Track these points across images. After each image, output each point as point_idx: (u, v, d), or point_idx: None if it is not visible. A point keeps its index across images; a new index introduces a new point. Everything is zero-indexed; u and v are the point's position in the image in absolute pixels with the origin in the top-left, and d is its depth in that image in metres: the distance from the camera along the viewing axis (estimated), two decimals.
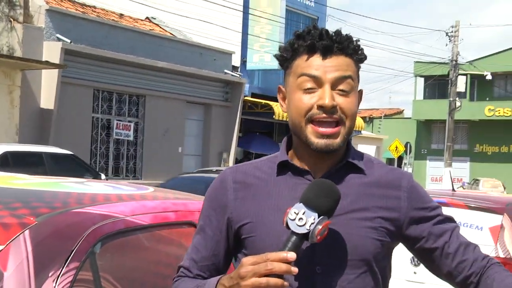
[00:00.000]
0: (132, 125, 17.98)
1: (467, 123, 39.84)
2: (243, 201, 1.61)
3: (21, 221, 1.92)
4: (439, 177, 30.25)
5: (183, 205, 2.48)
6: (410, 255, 2.94)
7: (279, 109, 20.91)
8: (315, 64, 1.56)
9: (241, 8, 22.43)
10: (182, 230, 2.38)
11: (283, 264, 1.36)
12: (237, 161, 21.33)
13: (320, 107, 1.53)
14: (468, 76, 35.02)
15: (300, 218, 1.42)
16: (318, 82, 1.55)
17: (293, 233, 1.42)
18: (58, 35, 16.12)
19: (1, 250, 1.81)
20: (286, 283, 1.38)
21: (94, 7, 20.35)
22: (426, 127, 42.01)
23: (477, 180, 29.30)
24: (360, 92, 1.66)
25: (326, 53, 1.56)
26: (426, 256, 1.67)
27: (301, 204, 1.45)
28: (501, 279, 1.57)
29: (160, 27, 22.18)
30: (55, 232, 1.94)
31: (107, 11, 20.57)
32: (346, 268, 1.55)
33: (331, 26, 33.79)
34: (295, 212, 1.43)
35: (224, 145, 21.05)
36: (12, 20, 14.59)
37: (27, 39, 14.94)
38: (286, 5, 23.32)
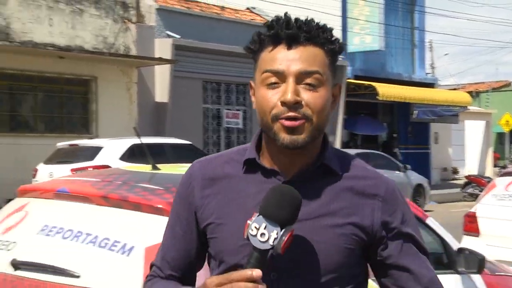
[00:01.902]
0: (241, 113, 18.65)
1: None
2: (209, 199, 1.51)
3: None
4: None
5: None
6: None
7: (382, 90, 20.92)
8: (279, 57, 1.44)
9: None
10: None
11: (249, 284, 1.27)
12: (343, 143, 21.59)
13: (283, 104, 1.41)
14: None
15: (262, 233, 1.31)
16: (281, 76, 1.43)
17: (256, 249, 1.32)
18: (168, 32, 17.02)
19: None
20: None
21: (197, 1, 21.16)
22: None
23: None
24: (338, 87, 1.53)
25: (291, 43, 1.44)
26: (374, 270, 1.55)
27: (261, 216, 1.33)
28: None
29: (261, 17, 22.71)
30: None
31: (208, 5, 21.34)
32: (306, 275, 1.44)
33: (430, 1, 32.96)
34: (255, 227, 1.32)
35: (329, 128, 21.34)
36: (126, 21, 15.61)
37: (140, 38, 15.88)
38: None
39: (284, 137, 1.42)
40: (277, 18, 1.48)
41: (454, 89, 33.42)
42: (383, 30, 22.38)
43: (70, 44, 14.53)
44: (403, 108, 24.07)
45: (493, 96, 42.16)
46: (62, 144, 12.02)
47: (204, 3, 21.22)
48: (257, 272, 1.28)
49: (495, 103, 40.34)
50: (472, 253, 3.32)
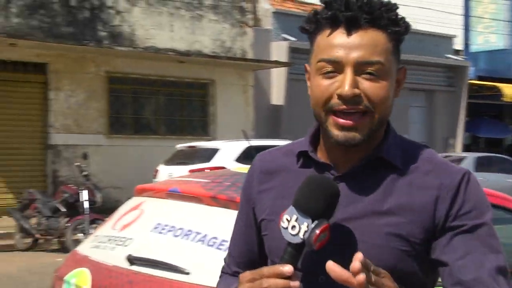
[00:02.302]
0: None
1: None
2: (264, 194, 1.42)
3: None
4: None
5: None
6: None
7: (509, 90, 19.95)
8: (336, 44, 1.28)
9: None
10: None
11: (279, 280, 1.18)
12: (464, 146, 20.78)
13: (340, 97, 1.27)
14: None
15: (293, 226, 1.22)
16: (338, 66, 1.28)
17: (289, 243, 1.23)
18: (283, 35, 17.15)
19: None
20: None
21: (313, 4, 21.18)
22: None
23: None
24: (402, 71, 1.37)
25: (351, 26, 1.28)
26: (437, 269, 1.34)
27: (293, 208, 1.23)
28: None
29: None
30: None
31: None
32: None
33: None
34: (287, 219, 1.23)
35: (449, 131, 20.62)
36: (243, 25, 15.91)
37: (256, 41, 16.14)
38: None
39: (338, 134, 1.29)
40: None
41: None
42: (510, 27, 21.34)
43: (190, 48, 15.02)
44: None
45: None
46: (182, 145, 12.44)
47: (320, 5, 21.22)
48: (288, 268, 1.18)
49: None
50: None
